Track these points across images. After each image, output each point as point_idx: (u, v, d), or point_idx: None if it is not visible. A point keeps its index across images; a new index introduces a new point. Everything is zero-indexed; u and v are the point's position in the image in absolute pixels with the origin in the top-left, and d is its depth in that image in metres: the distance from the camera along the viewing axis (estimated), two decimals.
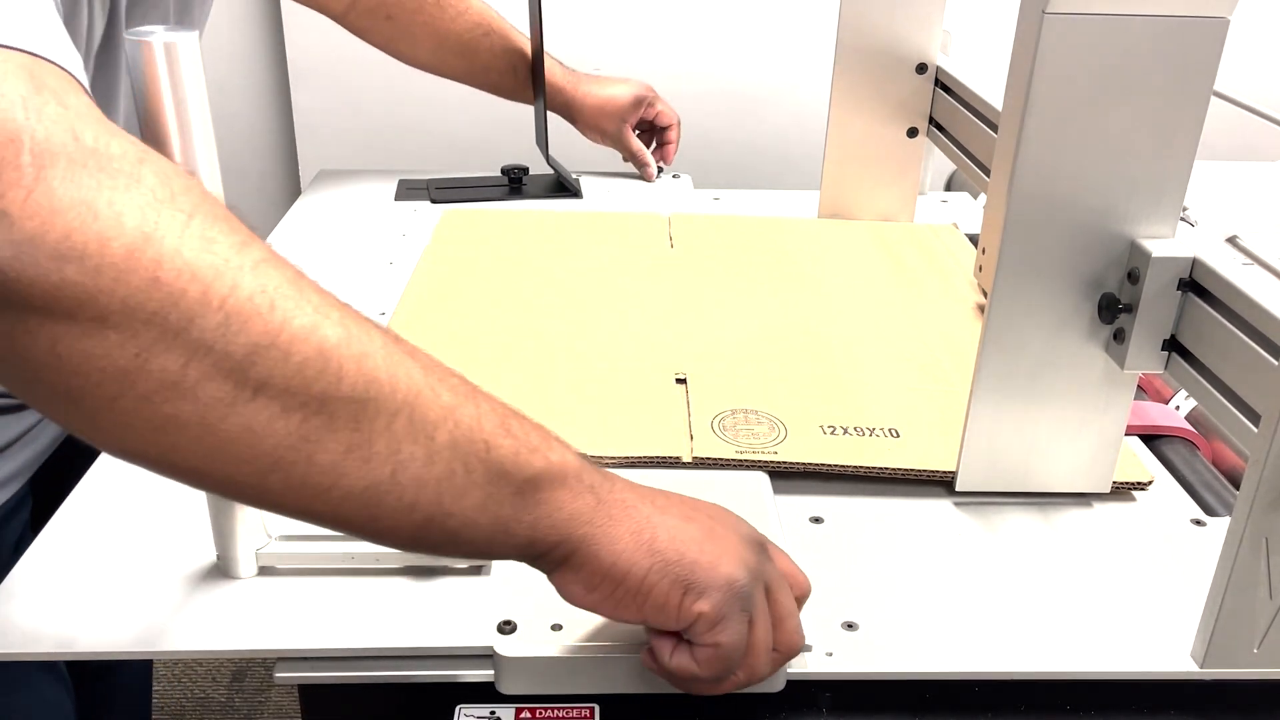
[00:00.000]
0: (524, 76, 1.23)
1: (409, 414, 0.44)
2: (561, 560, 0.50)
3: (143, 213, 0.39)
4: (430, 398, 0.45)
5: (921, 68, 1.11)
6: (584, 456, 0.51)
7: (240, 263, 0.41)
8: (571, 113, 1.29)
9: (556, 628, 0.59)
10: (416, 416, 0.44)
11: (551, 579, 0.51)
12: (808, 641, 0.59)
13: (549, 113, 1.25)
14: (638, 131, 1.30)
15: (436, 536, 0.47)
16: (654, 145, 1.32)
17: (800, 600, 0.57)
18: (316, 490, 0.44)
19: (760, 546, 0.54)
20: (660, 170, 1.32)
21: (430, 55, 1.24)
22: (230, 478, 0.43)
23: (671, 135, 1.30)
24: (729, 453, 0.75)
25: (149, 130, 0.50)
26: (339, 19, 1.21)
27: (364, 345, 0.44)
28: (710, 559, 0.51)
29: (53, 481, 0.73)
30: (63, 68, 0.41)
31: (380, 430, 0.44)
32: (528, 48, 1.21)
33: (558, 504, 0.49)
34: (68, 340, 0.38)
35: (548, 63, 1.25)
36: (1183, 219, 0.68)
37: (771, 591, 0.54)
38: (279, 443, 0.42)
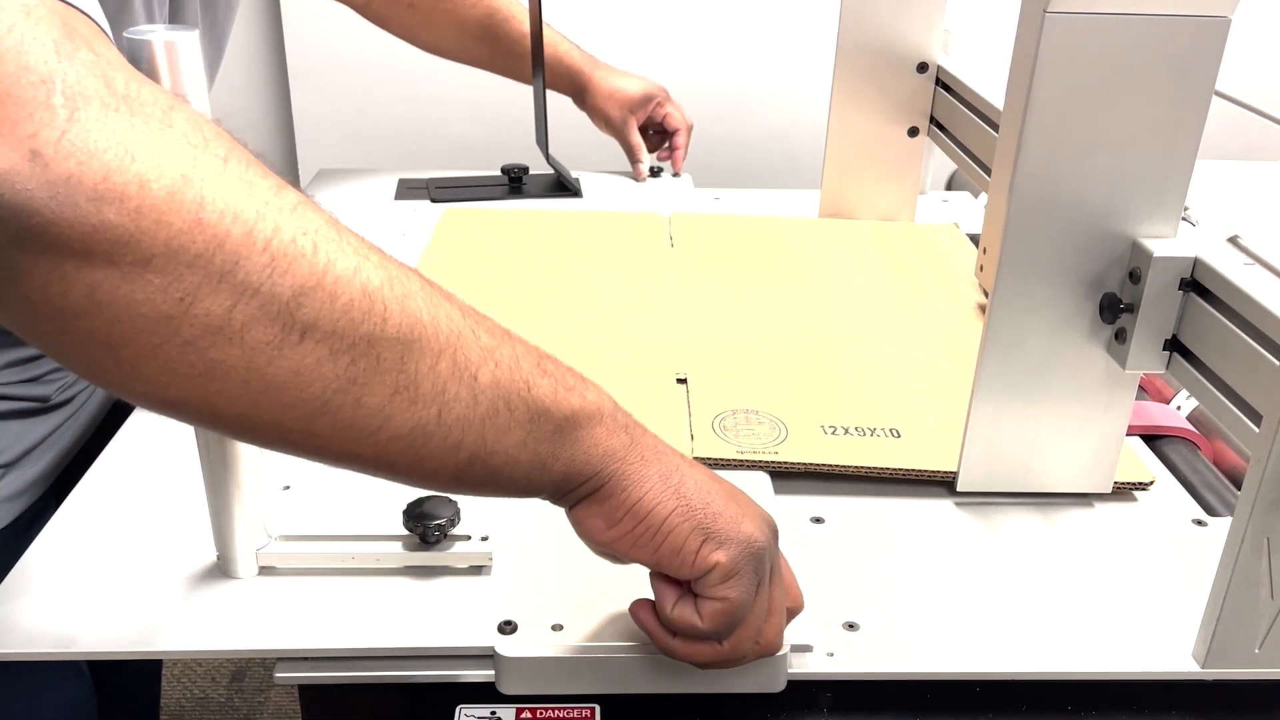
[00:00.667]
0: (547, 64, 1.23)
1: (452, 354, 0.44)
2: (589, 494, 0.50)
3: (180, 155, 0.38)
4: (471, 338, 0.45)
5: (922, 67, 1.11)
6: (616, 401, 0.51)
7: (280, 205, 0.40)
8: (582, 95, 1.29)
9: (557, 628, 0.59)
10: (459, 357, 0.45)
11: (573, 513, 0.51)
12: (808, 641, 0.60)
13: (552, 107, 1.24)
14: (650, 132, 1.31)
15: (479, 474, 0.47)
16: (663, 148, 1.33)
17: (792, 613, 0.57)
18: (364, 433, 0.43)
19: (775, 532, 0.54)
20: (659, 171, 1.32)
21: (452, 43, 1.24)
22: (277, 423, 0.42)
23: (680, 140, 1.31)
24: (730, 453, 0.75)
25: None
26: (361, 10, 1.22)
27: (405, 287, 0.44)
28: (733, 514, 0.51)
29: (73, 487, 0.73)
30: (92, 19, 0.41)
31: (425, 371, 0.44)
32: (548, 35, 1.22)
33: (594, 440, 0.49)
34: (108, 286, 0.37)
35: (565, 45, 1.26)
36: (1184, 219, 0.68)
37: (772, 578, 0.54)
38: (327, 385, 0.42)
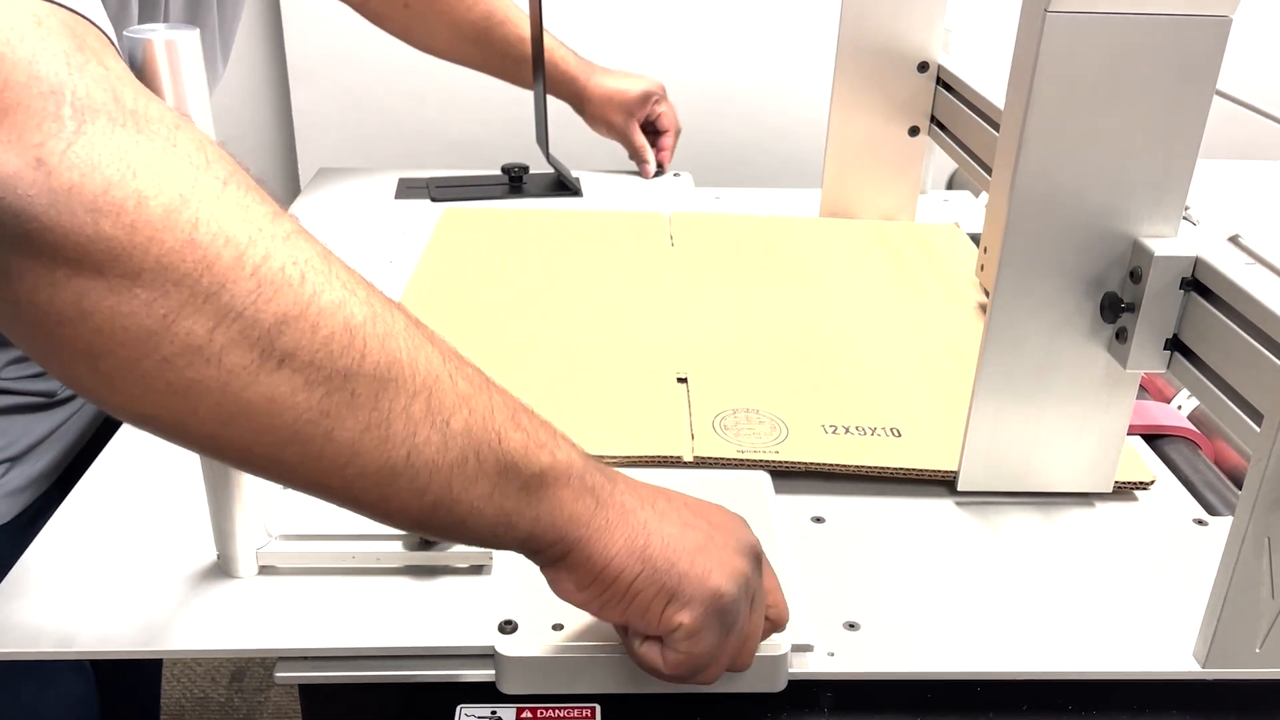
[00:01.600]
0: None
1: (427, 397, 0.44)
2: (557, 559, 0.50)
3: (180, 175, 0.39)
4: (448, 383, 0.46)
5: (923, 66, 1.11)
6: (588, 455, 0.51)
7: (274, 232, 0.41)
8: (580, 103, 1.29)
9: (558, 627, 0.59)
10: (434, 401, 0.45)
11: (545, 573, 0.52)
12: (808, 641, 0.59)
13: (552, 106, 1.24)
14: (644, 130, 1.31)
15: (442, 521, 0.47)
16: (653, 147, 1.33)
17: (775, 627, 0.57)
18: (332, 467, 0.44)
19: (756, 559, 0.54)
20: (660, 171, 1.32)
21: (447, 43, 1.25)
22: (247, 448, 0.43)
23: (666, 142, 1.31)
24: (730, 452, 0.75)
25: None
26: (358, 7, 1.22)
27: (388, 325, 0.44)
28: (701, 570, 0.51)
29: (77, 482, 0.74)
30: (102, 30, 0.41)
31: (399, 412, 0.44)
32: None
33: (559, 503, 0.49)
34: (95, 296, 0.38)
35: (561, 52, 1.26)
36: (1185, 218, 0.68)
37: (752, 606, 0.53)
38: (299, 416, 0.42)
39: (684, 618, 0.50)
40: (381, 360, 0.43)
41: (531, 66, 1.20)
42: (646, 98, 1.27)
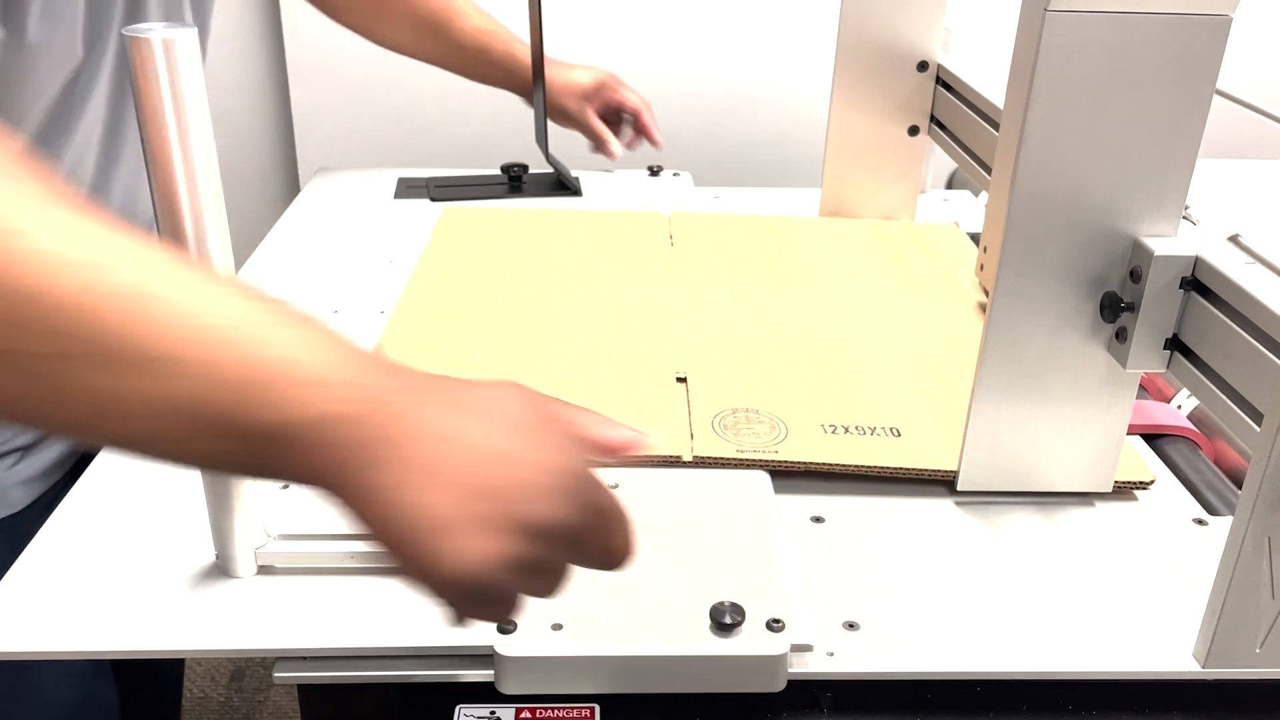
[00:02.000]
0: (496, 59, 1.24)
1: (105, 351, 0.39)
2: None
3: None
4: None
5: (923, 65, 1.11)
6: (348, 376, 0.42)
7: None
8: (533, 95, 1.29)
9: (557, 627, 0.59)
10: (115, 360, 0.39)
11: None
12: (808, 641, 0.59)
13: (528, 101, 1.24)
14: (609, 120, 1.31)
15: (184, 464, 0.43)
16: (631, 136, 1.32)
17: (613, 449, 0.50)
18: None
19: (538, 532, 0.44)
20: (659, 170, 1.32)
21: (408, 38, 1.25)
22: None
23: (646, 120, 1.30)
24: (730, 452, 0.75)
25: (147, 128, 0.50)
26: (319, 3, 1.22)
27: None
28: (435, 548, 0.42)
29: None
30: None
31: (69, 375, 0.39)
32: (498, 30, 1.23)
33: (299, 463, 0.42)
34: None
35: (517, 45, 1.25)
36: (1185, 217, 0.68)
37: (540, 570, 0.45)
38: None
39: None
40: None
41: (497, 56, 1.22)
42: (600, 86, 1.28)
